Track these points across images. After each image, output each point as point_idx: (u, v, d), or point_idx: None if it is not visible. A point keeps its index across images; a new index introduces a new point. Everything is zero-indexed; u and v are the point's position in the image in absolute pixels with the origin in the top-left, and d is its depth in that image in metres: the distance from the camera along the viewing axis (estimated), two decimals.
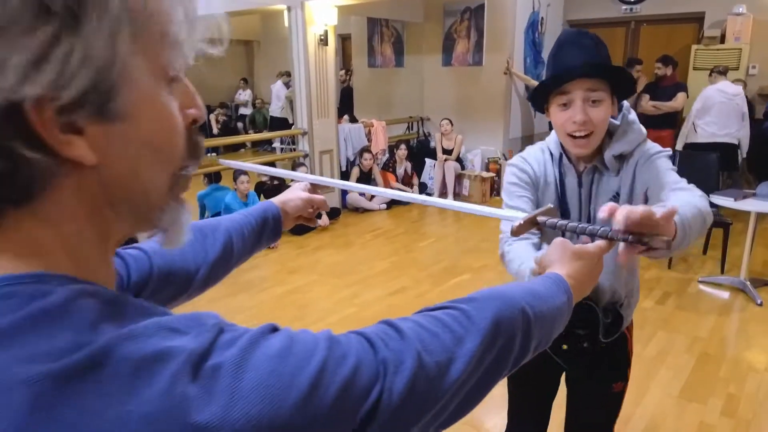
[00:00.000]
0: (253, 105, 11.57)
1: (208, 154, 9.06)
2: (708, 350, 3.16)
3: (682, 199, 1.10)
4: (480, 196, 6.65)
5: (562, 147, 1.39)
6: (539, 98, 1.35)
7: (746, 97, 5.67)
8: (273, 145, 9.72)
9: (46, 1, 0.35)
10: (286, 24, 5.82)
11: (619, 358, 1.51)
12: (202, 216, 5.49)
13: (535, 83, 6.92)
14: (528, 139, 7.23)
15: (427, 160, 7.08)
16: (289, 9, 5.65)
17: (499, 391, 1.40)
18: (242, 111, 11.65)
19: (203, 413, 0.37)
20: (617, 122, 1.37)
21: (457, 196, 6.71)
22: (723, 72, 5.61)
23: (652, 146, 1.35)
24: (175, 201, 0.49)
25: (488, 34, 6.80)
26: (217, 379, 0.38)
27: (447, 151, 6.74)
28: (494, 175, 6.79)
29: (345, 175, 6.44)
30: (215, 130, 10.64)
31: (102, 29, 0.37)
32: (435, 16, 7.25)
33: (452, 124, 6.73)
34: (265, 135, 8.41)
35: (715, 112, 5.49)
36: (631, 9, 7.31)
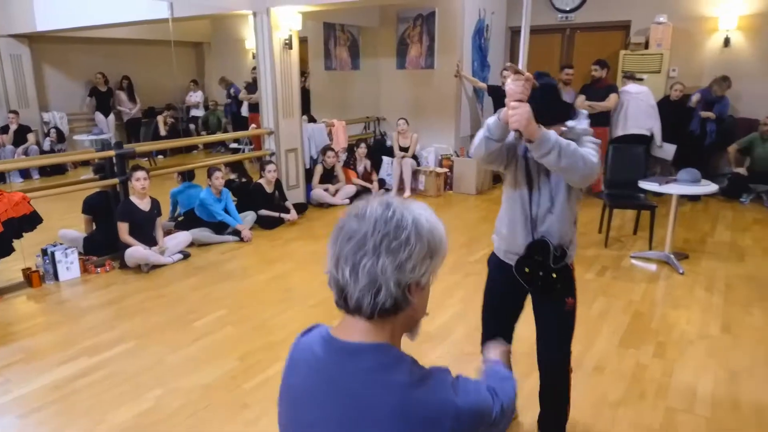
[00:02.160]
0: (206, 107, 11.64)
1: (157, 156, 9.13)
2: (641, 310, 3.75)
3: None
4: (435, 190, 7.14)
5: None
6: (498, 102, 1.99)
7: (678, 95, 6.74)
8: (230, 145, 9.86)
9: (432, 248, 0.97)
10: (252, 29, 6.10)
11: (567, 282, 2.09)
12: (173, 212, 5.69)
13: (483, 85, 7.55)
14: None
15: (385, 158, 7.50)
16: (255, 14, 5.94)
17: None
18: (194, 113, 11.68)
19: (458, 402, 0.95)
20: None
21: (413, 191, 7.17)
22: (630, 77, 6.74)
23: (582, 125, 2.00)
24: (419, 322, 1.07)
25: (439, 39, 7.32)
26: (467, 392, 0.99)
27: (404, 149, 7.19)
28: (447, 170, 7.31)
29: (309, 173, 6.78)
30: (163, 132, 10.62)
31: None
32: (389, 22, 7.69)
33: (408, 123, 7.19)
34: (235, 134, 8.55)
35: (630, 109, 6.40)
36: (566, 17, 8.01)
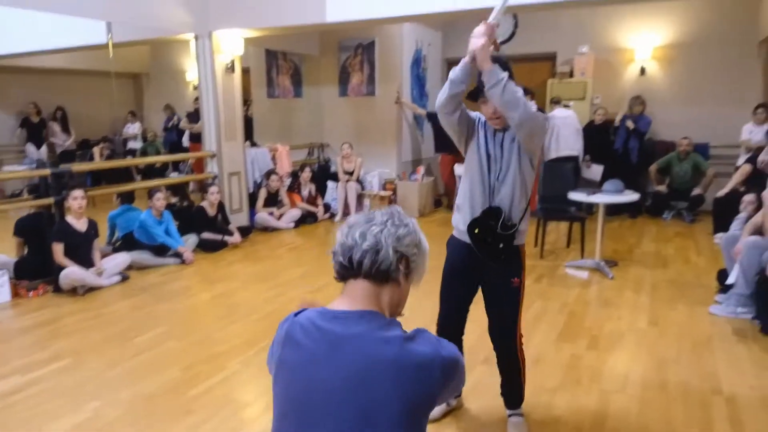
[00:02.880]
0: (144, 138, 11.43)
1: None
2: (575, 310, 3.95)
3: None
4: None
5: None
6: (474, 95, 2.17)
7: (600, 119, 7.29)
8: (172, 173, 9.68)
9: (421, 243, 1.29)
10: (193, 52, 6.14)
11: (514, 262, 2.26)
12: (110, 236, 5.53)
13: (422, 111, 7.85)
14: (417, 162, 8.05)
15: (329, 183, 7.60)
16: (197, 38, 5.99)
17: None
18: (131, 145, 11.43)
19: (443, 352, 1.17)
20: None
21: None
22: (557, 102, 7.36)
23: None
24: (398, 312, 1.33)
25: (380, 67, 7.59)
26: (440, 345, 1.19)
27: (348, 173, 7.31)
28: (391, 193, 7.47)
29: (252, 196, 6.76)
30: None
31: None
32: (331, 51, 7.92)
33: (352, 148, 7.34)
34: (177, 156, 8.33)
35: (561, 134, 6.86)
36: (499, 49, 8.48)
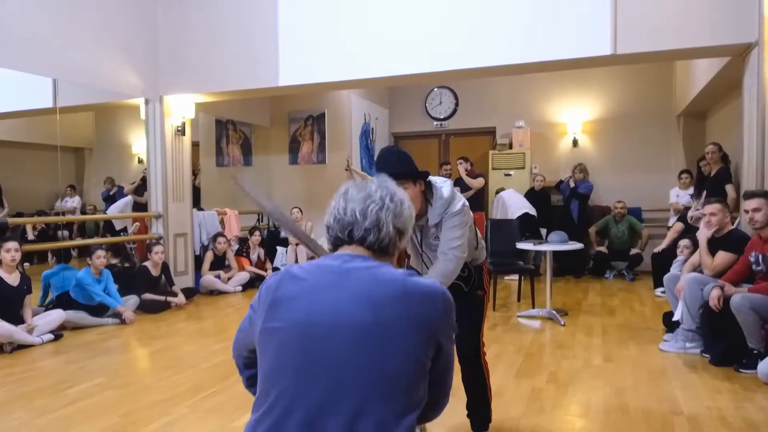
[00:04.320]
0: (83, 212, 11.03)
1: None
2: (531, 351, 3.94)
3: (433, 273, 2.09)
4: None
5: None
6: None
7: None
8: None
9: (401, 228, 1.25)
10: (143, 116, 6.15)
11: (477, 277, 2.36)
12: (44, 296, 5.17)
13: (372, 179, 8.00)
14: None
15: (279, 248, 7.50)
16: (147, 102, 6.02)
17: None
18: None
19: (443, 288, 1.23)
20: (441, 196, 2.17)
21: None
22: (501, 190, 7.73)
23: (454, 208, 2.16)
24: None
25: (330, 137, 7.81)
26: None
27: None
28: None
29: (198, 259, 6.56)
30: (31, 237, 9.80)
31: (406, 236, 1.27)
32: (280, 122, 8.12)
33: (302, 212, 7.35)
34: (119, 216, 7.98)
35: (509, 201, 7.23)
36: (441, 124, 8.97)
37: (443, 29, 4.89)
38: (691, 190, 6.84)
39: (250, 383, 1.34)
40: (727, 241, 3.87)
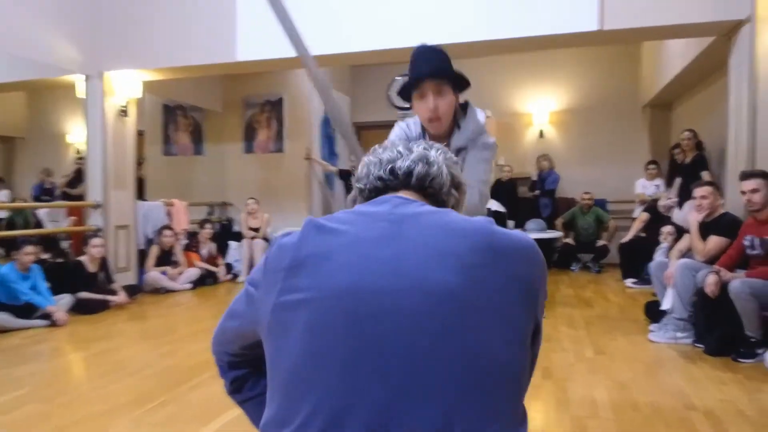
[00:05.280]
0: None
1: None
2: None
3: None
4: None
5: (423, 128, 1.82)
6: (405, 93, 1.76)
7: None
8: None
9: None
10: (81, 95, 5.51)
11: None
12: None
13: (334, 169, 7.60)
14: None
15: (231, 243, 6.97)
16: (87, 78, 5.38)
17: None
18: None
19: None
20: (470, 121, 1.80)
21: None
22: None
23: (487, 139, 1.80)
24: None
25: (288, 124, 7.33)
26: None
27: (254, 230, 6.75)
28: None
29: (143, 254, 5.96)
30: None
31: None
32: (235, 107, 7.57)
33: (258, 203, 6.84)
34: (51, 204, 7.20)
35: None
36: (404, 114, 8.61)
37: (411, 2, 4.55)
38: (656, 181, 6.77)
39: (236, 388, 0.95)
40: (719, 224, 3.68)
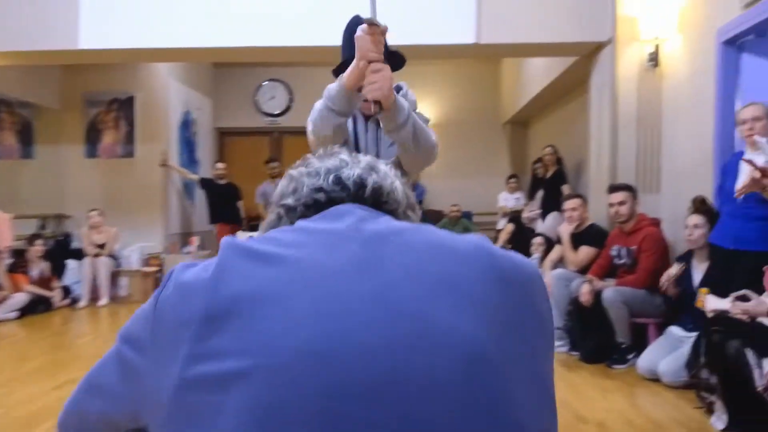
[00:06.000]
0: None
1: None
2: None
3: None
4: (142, 294, 5.94)
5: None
6: (340, 72, 1.56)
7: None
8: None
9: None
10: None
11: None
12: None
13: (195, 177, 6.94)
14: (188, 235, 6.99)
15: (70, 262, 6.02)
16: None
17: None
18: None
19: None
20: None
21: (113, 298, 5.84)
22: None
23: (422, 116, 1.75)
24: None
25: (141, 125, 6.56)
26: None
27: (98, 246, 5.89)
28: (157, 269, 6.23)
29: None
30: None
31: None
32: (74, 105, 6.61)
33: (104, 216, 5.99)
34: None
35: None
36: (273, 121, 8.22)
37: (281, 2, 4.26)
38: (517, 194, 7.14)
39: None
40: (588, 235, 3.86)
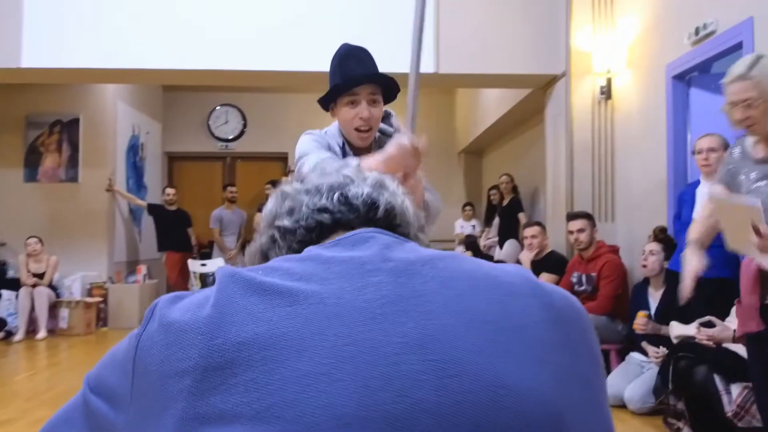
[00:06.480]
0: None
1: None
2: None
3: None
4: (84, 326, 5.59)
5: (345, 139, 1.62)
6: (329, 100, 1.56)
7: None
8: None
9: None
10: None
11: None
12: None
13: (142, 203, 6.67)
14: (135, 264, 6.67)
15: (5, 292, 5.62)
16: None
17: None
18: None
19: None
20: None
21: (51, 331, 5.46)
22: None
23: None
24: None
25: (85, 149, 6.26)
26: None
27: (37, 275, 5.53)
28: (100, 300, 5.89)
29: None
30: None
31: None
32: (13, 126, 6.25)
33: (43, 244, 5.64)
34: None
35: None
36: (226, 146, 8.04)
37: (236, 23, 4.21)
38: (472, 222, 7.22)
39: None
40: (549, 262, 3.91)
